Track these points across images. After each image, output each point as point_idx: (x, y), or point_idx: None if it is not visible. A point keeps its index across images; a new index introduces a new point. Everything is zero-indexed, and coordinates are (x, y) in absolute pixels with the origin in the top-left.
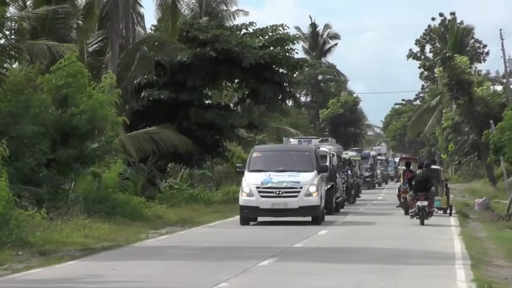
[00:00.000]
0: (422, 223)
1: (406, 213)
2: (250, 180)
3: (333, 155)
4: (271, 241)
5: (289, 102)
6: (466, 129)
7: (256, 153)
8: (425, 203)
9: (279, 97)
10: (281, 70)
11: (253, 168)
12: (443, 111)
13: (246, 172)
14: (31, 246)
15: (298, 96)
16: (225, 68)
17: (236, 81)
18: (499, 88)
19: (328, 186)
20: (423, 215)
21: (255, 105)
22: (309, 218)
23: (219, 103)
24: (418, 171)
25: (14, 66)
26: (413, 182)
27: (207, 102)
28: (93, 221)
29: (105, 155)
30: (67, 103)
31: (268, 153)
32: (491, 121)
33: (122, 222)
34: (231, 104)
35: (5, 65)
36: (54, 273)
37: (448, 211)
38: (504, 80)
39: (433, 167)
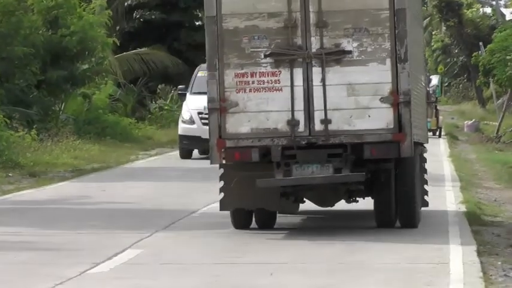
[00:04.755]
0: None
1: None
2: (192, 105)
3: None
4: None
5: None
6: (456, 51)
7: (202, 73)
8: None
9: None
10: None
11: (197, 90)
12: (433, 33)
13: (187, 95)
14: (21, 168)
15: None
16: None
17: None
18: (488, 10)
19: None
20: None
21: None
22: None
23: None
24: None
25: None
26: None
27: (197, 23)
28: (83, 143)
29: (95, 76)
30: (58, 24)
31: None
32: (480, 43)
33: (112, 144)
34: None
35: None
36: (45, 194)
37: (437, 133)
38: (494, 2)
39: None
